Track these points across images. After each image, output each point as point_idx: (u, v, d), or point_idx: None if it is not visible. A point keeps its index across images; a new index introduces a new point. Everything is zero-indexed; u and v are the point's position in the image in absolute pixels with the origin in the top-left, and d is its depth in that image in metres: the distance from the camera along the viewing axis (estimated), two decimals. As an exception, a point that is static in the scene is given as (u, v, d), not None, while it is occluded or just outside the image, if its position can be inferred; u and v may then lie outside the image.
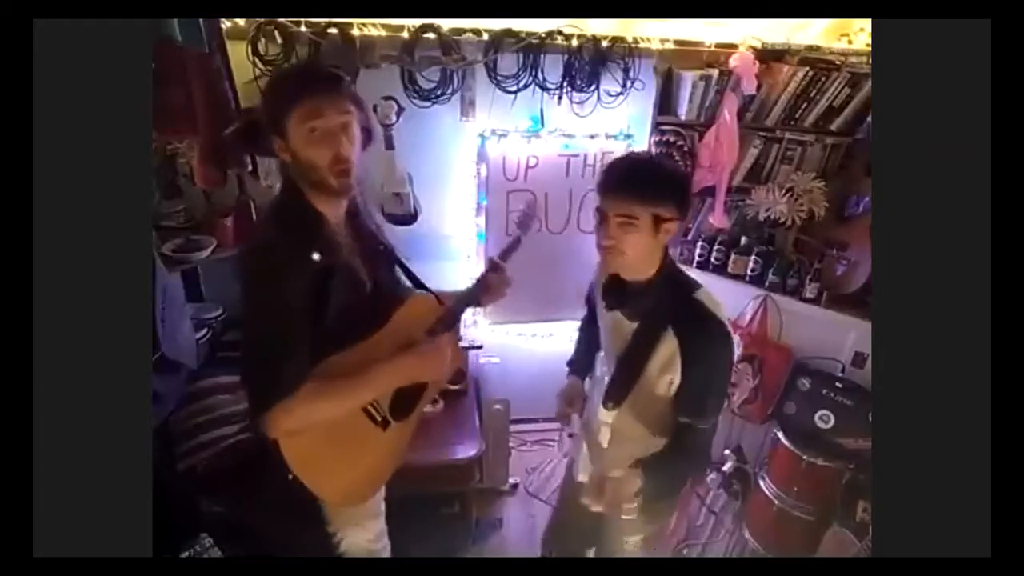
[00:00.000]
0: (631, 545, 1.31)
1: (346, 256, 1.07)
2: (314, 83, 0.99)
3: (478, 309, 2.35)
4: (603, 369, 1.32)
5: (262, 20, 1.67)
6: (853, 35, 2.02)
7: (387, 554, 1.41)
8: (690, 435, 1.13)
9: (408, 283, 1.30)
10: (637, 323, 1.12)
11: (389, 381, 1.12)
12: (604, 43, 1.86)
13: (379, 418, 1.16)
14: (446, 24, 1.77)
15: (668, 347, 1.07)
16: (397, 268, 1.27)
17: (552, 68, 1.91)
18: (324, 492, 1.11)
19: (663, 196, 1.01)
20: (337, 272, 1.02)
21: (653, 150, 2.05)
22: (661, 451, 1.16)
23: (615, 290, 1.16)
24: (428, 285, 1.30)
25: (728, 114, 1.93)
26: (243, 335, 1.04)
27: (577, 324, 1.53)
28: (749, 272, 2.07)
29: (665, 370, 1.08)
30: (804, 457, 1.85)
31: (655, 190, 1.01)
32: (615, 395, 1.17)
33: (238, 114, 1.66)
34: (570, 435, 1.45)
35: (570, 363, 1.49)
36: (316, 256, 0.98)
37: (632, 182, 1.02)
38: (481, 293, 1.31)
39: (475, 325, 2.36)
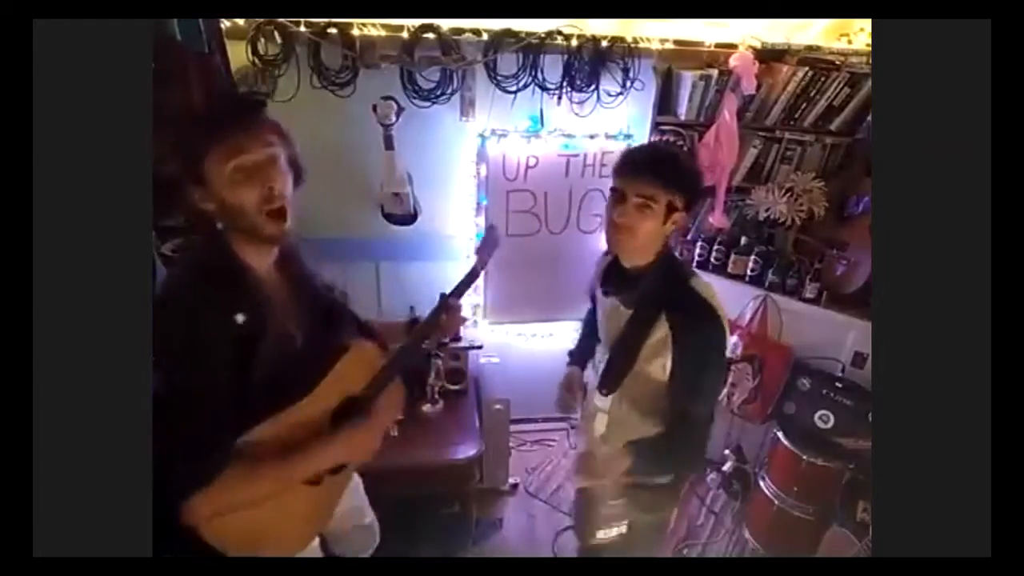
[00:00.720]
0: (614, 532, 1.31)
1: (274, 311, 0.96)
2: (229, 116, 0.88)
3: (477, 307, 2.36)
4: (601, 357, 1.34)
5: (262, 20, 1.67)
6: (853, 35, 2.03)
7: None
8: (685, 421, 1.15)
9: (351, 328, 1.19)
10: (632, 310, 1.14)
11: (318, 466, 1.00)
12: (604, 43, 1.86)
13: (312, 478, 1.05)
14: (446, 24, 1.77)
15: (660, 332, 1.09)
16: (340, 314, 1.17)
17: (552, 68, 1.91)
18: (252, 552, 1.00)
19: (682, 186, 1.06)
20: (266, 335, 0.92)
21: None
22: (655, 435, 1.18)
23: (613, 277, 1.20)
24: (374, 326, 1.22)
25: (728, 114, 1.93)
26: (160, 410, 0.89)
27: (577, 324, 1.53)
28: (749, 272, 2.07)
29: (657, 355, 1.10)
30: (804, 457, 1.85)
31: (677, 178, 1.06)
32: (610, 381, 1.18)
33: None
34: (572, 426, 1.44)
35: (570, 353, 1.52)
36: (239, 319, 0.88)
37: (657, 166, 1.06)
38: (431, 332, 1.22)
39: (475, 325, 2.36)
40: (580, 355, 1.49)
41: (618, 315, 1.18)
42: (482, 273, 1.33)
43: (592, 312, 1.46)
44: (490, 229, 1.42)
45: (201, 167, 0.86)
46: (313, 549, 1.20)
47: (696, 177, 1.11)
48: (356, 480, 1.36)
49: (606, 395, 1.19)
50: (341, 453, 1.03)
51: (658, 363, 1.11)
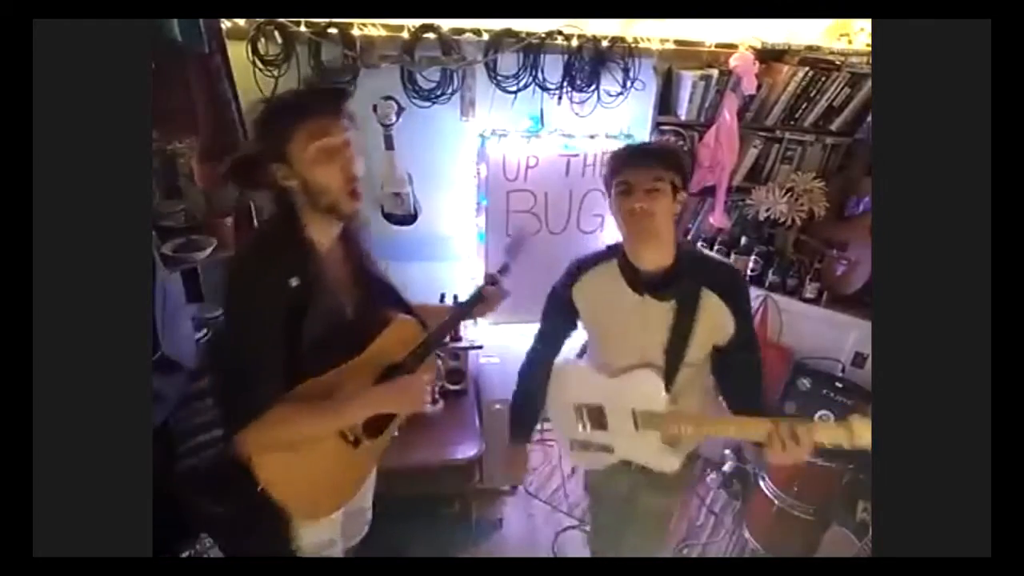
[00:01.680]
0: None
1: (330, 284, 1.06)
2: (319, 101, 0.99)
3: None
4: (592, 372, 1.31)
5: (262, 20, 1.67)
6: (853, 35, 2.03)
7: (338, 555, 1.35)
8: (754, 366, 1.24)
9: (396, 306, 1.26)
10: (672, 301, 1.17)
11: (362, 411, 1.09)
12: (604, 43, 1.86)
13: (351, 437, 1.14)
14: (446, 24, 1.77)
15: (711, 305, 1.16)
16: (386, 292, 1.25)
17: (552, 68, 1.91)
18: (291, 505, 1.10)
19: (678, 166, 1.14)
20: (317, 301, 1.01)
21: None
22: (738, 392, 1.25)
23: (639, 280, 1.19)
24: (417, 303, 1.29)
25: (728, 114, 1.93)
26: (221, 355, 1.07)
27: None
28: (749, 272, 2.07)
29: (717, 327, 1.17)
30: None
31: (673, 159, 1.15)
32: (671, 375, 1.20)
33: (238, 116, 1.66)
34: (600, 448, 1.36)
35: (521, 428, 1.44)
36: (294, 282, 0.98)
37: (654, 153, 1.16)
38: (476, 307, 1.32)
39: (475, 325, 2.36)
40: (528, 422, 1.45)
41: (651, 313, 1.19)
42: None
43: (552, 339, 1.39)
44: (518, 233, 1.47)
45: (286, 147, 0.95)
46: (336, 520, 1.26)
47: (684, 155, 1.21)
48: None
49: (670, 391, 1.20)
50: (382, 399, 1.10)
51: (715, 336, 1.18)
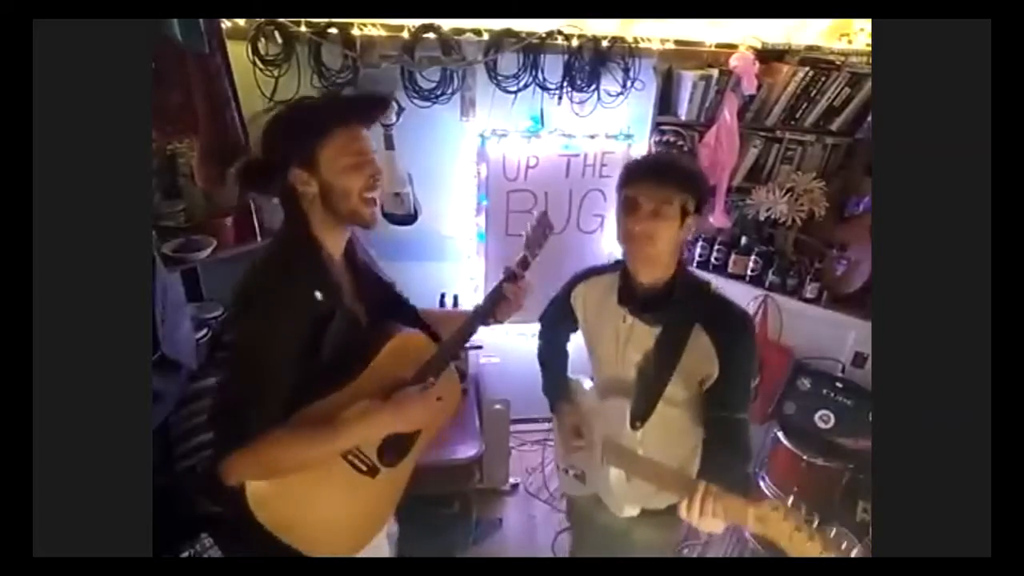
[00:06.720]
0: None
1: (346, 294, 1.02)
2: (362, 109, 0.98)
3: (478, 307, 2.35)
4: (591, 392, 1.28)
5: (262, 20, 1.67)
6: (853, 35, 2.03)
7: None
8: (731, 427, 1.09)
9: (405, 316, 1.21)
10: (659, 328, 1.09)
11: (363, 431, 0.98)
12: (604, 43, 1.87)
13: (364, 467, 1.04)
14: (446, 24, 1.77)
15: (700, 344, 1.06)
16: (396, 301, 1.21)
17: (552, 68, 1.91)
18: (305, 549, 0.99)
19: (692, 188, 1.05)
20: (336, 313, 0.96)
21: (653, 150, 2.05)
22: (710, 454, 1.12)
23: (631, 296, 1.14)
24: (421, 308, 1.23)
25: (728, 114, 1.93)
26: (222, 373, 0.99)
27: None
28: (749, 272, 2.07)
29: (700, 368, 1.07)
30: (804, 457, 1.85)
31: (686, 179, 1.06)
32: (643, 410, 1.11)
33: (239, 116, 1.66)
34: (576, 475, 1.30)
35: (550, 391, 1.38)
36: (319, 295, 0.93)
37: (666, 171, 1.06)
38: (496, 306, 1.16)
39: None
40: (563, 391, 1.35)
41: (639, 337, 1.12)
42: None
43: (557, 340, 1.40)
44: (542, 215, 1.26)
45: (315, 152, 0.91)
46: (379, 546, 1.20)
47: (702, 177, 1.11)
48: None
49: (639, 427, 1.11)
50: (387, 420, 1.00)
51: (697, 378, 1.09)
